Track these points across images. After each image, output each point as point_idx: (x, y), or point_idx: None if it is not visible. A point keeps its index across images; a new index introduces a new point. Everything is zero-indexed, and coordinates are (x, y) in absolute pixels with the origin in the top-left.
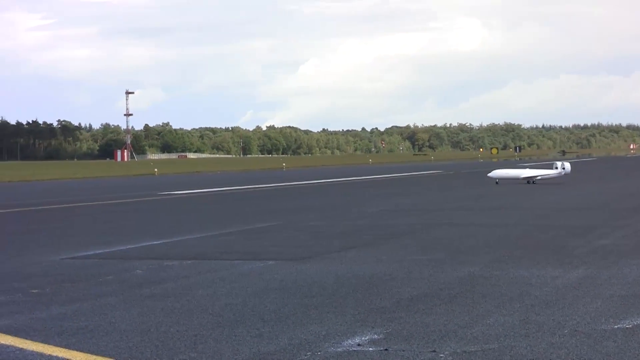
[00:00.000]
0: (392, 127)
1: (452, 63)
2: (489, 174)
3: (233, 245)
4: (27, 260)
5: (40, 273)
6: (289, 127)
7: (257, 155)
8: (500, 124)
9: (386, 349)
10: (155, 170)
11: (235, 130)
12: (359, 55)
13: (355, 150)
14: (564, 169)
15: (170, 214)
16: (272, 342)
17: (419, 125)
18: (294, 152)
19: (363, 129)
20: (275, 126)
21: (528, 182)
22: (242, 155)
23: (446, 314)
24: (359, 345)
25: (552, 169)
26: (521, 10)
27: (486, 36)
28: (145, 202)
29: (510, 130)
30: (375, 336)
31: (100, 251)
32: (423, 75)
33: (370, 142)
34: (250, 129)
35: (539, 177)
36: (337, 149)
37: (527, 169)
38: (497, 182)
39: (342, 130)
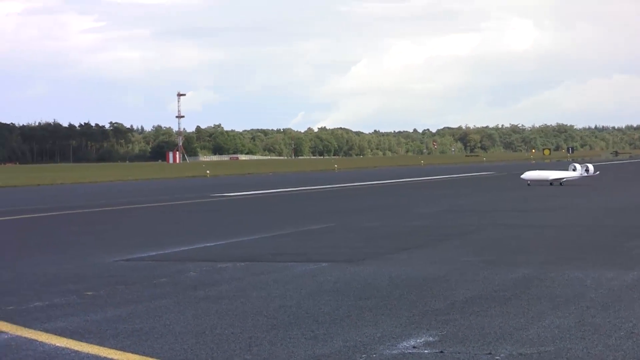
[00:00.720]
0: (444, 128)
1: (504, 63)
2: (522, 176)
3: (286, 247)
4: (81, 262)
5: (94, 275)
6: (341, 128)
7: (308, 157)
8: (553, 124)
9: (441, 351)
10: (207, 172)
11: (286, 132)
12: (411, 56)
13: (407, 151)
14: (587, 171)
15: (223, 215)
16: (327, 344)
17: (471, 126)
18: (346, 154)
19: (415, 130)
20: (327, 127)
21: (551, 184)
22: (293, 157)
23: (501, 315)
24: (414, 347)
25: (573, 170)
26: (573, 10)
27: (538, 36)
28: (198, 204)
29: (562, 131)
30: (431, 338)
31: (154, 253)
32: (475, 75)
33: (421, 143)
34: (302, 131)
35: (564, 179)
36: (389, 150)
37: (555, 171)
38: (528, 184)
39: (394, 131)
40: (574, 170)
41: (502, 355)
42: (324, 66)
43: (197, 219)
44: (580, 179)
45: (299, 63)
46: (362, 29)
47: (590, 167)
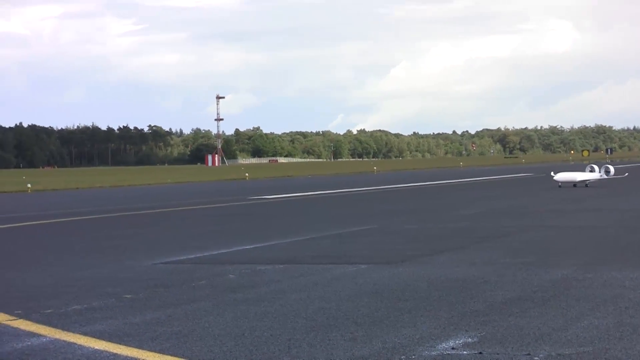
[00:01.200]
0: (483, 129)
1: (544, 65)
2: (554, 177)
3: (326, 249)
4: (120, 265)
5: (133, 278)
6: (380, 130)
7: (347, 159)
8: (591, 126)
9: (480, 352)
10: (247, 174)
11: (325, 134)
12: (450, 58)
13: (446, 153)
14: (608, 172)
15: (262, 218)
16: (366, 345)
17: (510, 127)
18: (385, 156)
19: (454, 131)
20: (366, 130)
21: (575, 186)
22: (332, 159)
23: (540, 316)
24: (453, 348)
25: (591, 172)
26: (613, 11)
27: (578, 37)
28: (237, 207)
29: (601, 132)
30: (470, 339)
31: (192, 256)
32: (514, 77)
33: (461, 145)
34: (341, 133)
35: (589, 181)
36: (428, 152)
37: (581, 172)
38: (559, 186)
39: (433, 133)
40: (592, 171)
41: (540, 356)
42: (363, 68)
43: (235, 221)
44: (603, 180)
45: (338, 65)
46: (401, 31)
47: (611, 168)
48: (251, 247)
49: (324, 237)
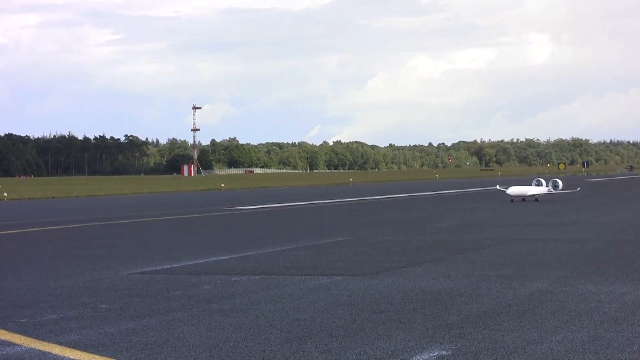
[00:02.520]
0: (459, 142)
1: (522, 78)
2: (507, 192)
3: (301, 260)
4: (96, 275)
5: (108, 288)
6: (356, 142)
7: (323, 170)
8: (568, 139)
9: None
10: (222, 185)
11: (302, 145)
12: (428, 70)
13: (422, 165)
14: (556, 186)
15: (237, 228)
16: (341, 357)
17: (486, 140)
18: (361, 167)
19: (430, 144)
20: (342, 141)
21: (523, 200)
22: (308, 171)
23: (515, 330)
24: None
25: (538, 185)
26: (591, 25)
27: (556, 51)
28: (212, 217)
29: (577, 146)
30: (444, 352)
31: (168, 266)
32: (492, 90)
33: (437, 157)
34: (317, 144)
35: (538, 195)
36: (404, 164)
37: (531, 187)
38: (511, 200)
39: (409, 145)
40: (538, 185)
41: None
42: (342, 80)
43: (211, 232)
44: (553, 194)
45: (316, 77)
46: (380, 43)
47: (559, 182)
48: (226, 257)
49: (299, 248)
